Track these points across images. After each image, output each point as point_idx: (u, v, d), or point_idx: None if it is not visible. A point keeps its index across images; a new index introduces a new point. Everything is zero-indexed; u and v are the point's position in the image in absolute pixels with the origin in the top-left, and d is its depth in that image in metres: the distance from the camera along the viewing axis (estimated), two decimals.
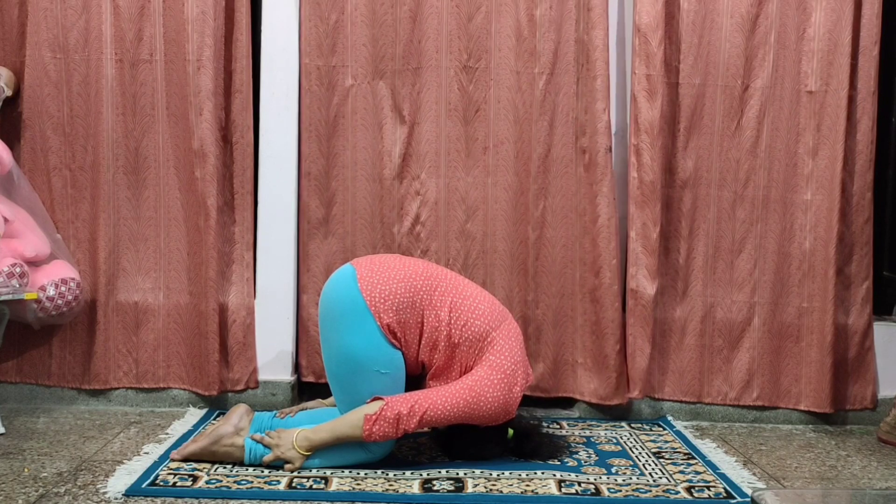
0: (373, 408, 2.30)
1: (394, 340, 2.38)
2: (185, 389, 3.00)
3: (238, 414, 2.46)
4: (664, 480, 2.40)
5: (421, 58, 2.98)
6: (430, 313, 2.40)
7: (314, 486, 2.26)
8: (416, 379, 2.49)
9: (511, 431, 2.54)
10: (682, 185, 3.02)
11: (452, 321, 2.40)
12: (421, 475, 2.37)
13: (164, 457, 2.46)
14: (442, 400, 2.33)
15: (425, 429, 2.50)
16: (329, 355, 2.43)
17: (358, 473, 2.36)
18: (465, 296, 2.45)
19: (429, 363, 2.44)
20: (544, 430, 2.68)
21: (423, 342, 2.41)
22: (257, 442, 2.38)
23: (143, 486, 2.24)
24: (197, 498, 2.18)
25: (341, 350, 2.39)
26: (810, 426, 3.03)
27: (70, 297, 2.81)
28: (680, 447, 2.71)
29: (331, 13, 2.97)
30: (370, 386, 2.35)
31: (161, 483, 2.26)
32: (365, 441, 2.31)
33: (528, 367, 2.50)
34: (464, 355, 2.41)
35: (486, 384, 2.36)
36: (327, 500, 2.19)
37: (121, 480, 2.27)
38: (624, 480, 2.38)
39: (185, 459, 2.42)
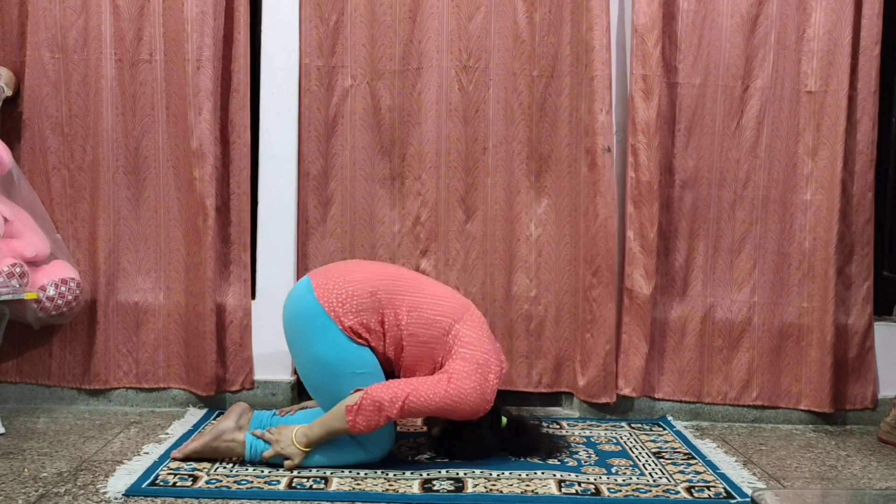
0: (353, 399, 2.31)
1: (360, 341, 2.39)
2: (184, 389, 3.00)
3: (237, 412, 2.48)
4: (664, 480, 2.40)
5: (421, 58, 2.98)
6: (389, 313, 2.41)
7: (314, 486, 2.26)
8: (395, 375, 2.49)
9: (504, 420, 2.55)
10: (683, 185, 3.02)
11: (413, 321, 2.41)
12: (421, 475, 2.37)
13: (164, 457, 2.46)
14: (423, 387, 2.33)
15: (414, 419, 2.49)
16: (303, 368, 2.46)
17: (358, 473, 2.36)
18: (425, 294, 2.46)
19: (397, 361, 2.45)
20: (537, 424, 2.68)
21: (387, 342, 2.42)
22: (258, 438, 2.39)
23: (143, 486, 2.24)
24: (197, 498, 2.18)
25: (312, 360, 2.41)
26: (810, 426, 3.03)
27: (70, 297, 2.81)
28: (680, 447, 2.71)
29: (331, 14, 2.97)
30: (349, 388, 2.35)
31: (161, 483, 2.26)
32: (351, 433, 2.31)
33: (501, 353, 2.51)
34: (433, 352, 2.42)
35: (461, 376, 2.36)
36: (327, 500, 2.19)
37: (121, 480, 2.27)
38: (624, 480, 2.38)
39: (187, 458, 2.43)
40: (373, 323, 2.40)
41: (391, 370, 2.47)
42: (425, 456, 2.54)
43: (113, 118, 2.95)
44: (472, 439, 2.48)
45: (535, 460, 2.52)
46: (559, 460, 2.53)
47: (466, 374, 2.36)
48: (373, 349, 2.41)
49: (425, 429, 2.66)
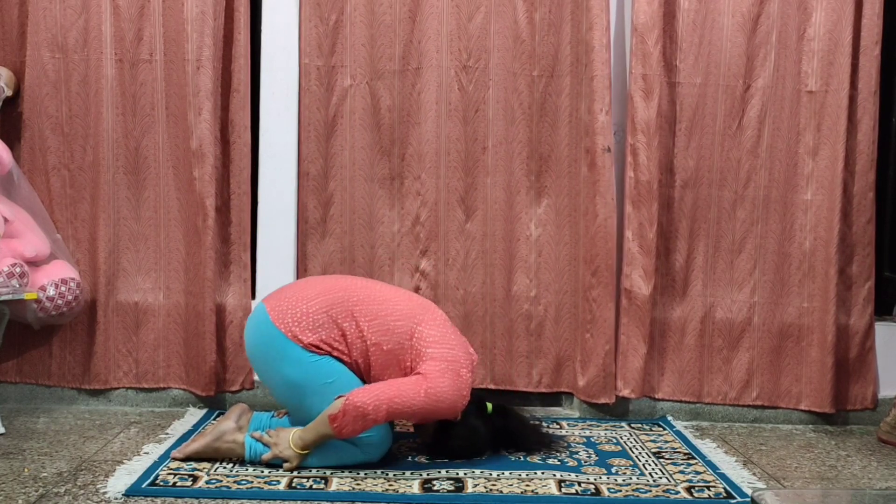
0: (336, 406, 2.28)
1: (321, 353, 2.38)
2: (184, 390, 3.00)
3: (237, 412, 2.48)
4: (664, 480, 2.40)
5: (421, 58, 2.98)
6: (349, 326, 2.40)
7: (314, 486, 2.26)
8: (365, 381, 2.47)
9: (489, 406, 2.55)
10: (684, 184, 3.02)
11: (374, 330, 2.40)
12: (421, 475, 2.37)
13: (164, 457, 2.46)
14: (405, 388, 2.31)
15: (402, 421, 2.45)
16: (276, 392, 2.45)
17: (358, 473, 2.36)
18: (381, 301, 2.44)
19: (366, 371, 2.43)
20: (537, 424, 2.68)
21: (353, 354, 2.40)
22: (257, 440, 2.39)
23: (143, 486, 2.24)
24: (197, 498, 2.18)
25: (282, 382, 2.40)
26: (810, 426, 3.03)
27: (70, 297, 2.81)
28: (680, 447, 2.71)
29: (331, 13, 2.97)
30: (327, 398, 2.33)
31: (161, 483, 2.26)
32: (338, 438, 2.30)
33: (469, 347, 2.50)
34: (399, 358, 2.40)
35: (435, 375, 2.34)
36: (327, 500, 2.19)
37: (121, 480, 2.27)
38: (624, 480, 2.38)
39: (187, 458, 2.43)
40: (334, 338, 2.38)
41: (361, 376, 2.45)
42: (425, 456, 2.54)
43: (113, 118, 2.95)
44: (464, 434, 2.48)
45: (535, 460, 2.52)
46: (559, 460, 2.52)
47: (440, 372, 2.35)
48: (337, 359, 2.40)
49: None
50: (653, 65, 2.91)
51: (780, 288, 3.04)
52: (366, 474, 2.36)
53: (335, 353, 2.39)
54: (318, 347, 2.37)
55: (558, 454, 2.58)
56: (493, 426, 2.54)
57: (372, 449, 2.38)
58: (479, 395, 2.54)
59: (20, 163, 2.94)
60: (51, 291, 2.77)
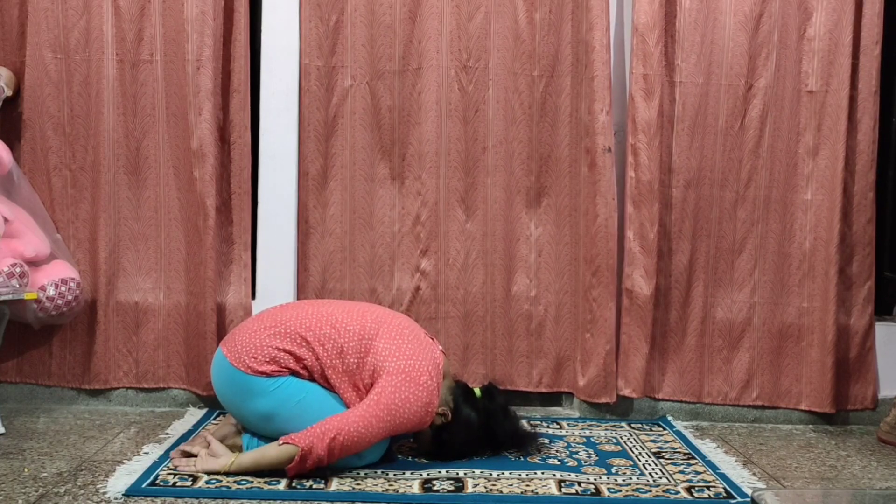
0: (289, 453, 2.24)
1: (285, 375, 2.36)
2: (184, 389, 3.00)
3: None
4: (664, 480, 2.40)
5: (421, 58, 2.98)
6: (304, 351, 2.38)
7: (314, 486, 2.26)
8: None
9: (478, 390, 2.54)
10: (686, 184, 3.02)
11: (327, 352, 2.38)
12: (421, 475, 2.37)
13: (164, 457, 2.46)
14: (353, 418, 2.27)
15: (355, 452, 2.35)
16: (255, 427, 2.41)
17: (358, 473, 2.36)
18: (331, 323, 2.41)
19: (333, 390, 2.40)
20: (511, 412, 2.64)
21: (313, 374, 2.39)
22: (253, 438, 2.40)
23: (143, 486, 2.24)
24: (197, 498, 2.18)
25: (257, 416, 2.38)
26: (810, 426, 3.03)
27: (70, 297, 2.81)
28: (680, 447, 2.71)
29: (331, 14, 2.98)
30: (302, 419, 2.31)
31: (161, 483, 2.26)
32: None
33: (433, 350, 2.46)
34: (355, 377, 2.38)
35: (389, 391, 2.31)
36: (327, 500, 2.19)
37: (121, 480, 2.27)
38: (624, 480, 2.38)
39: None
40: (291, 362, 2.37)
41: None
42: (425, 457, 2.54)
43: (114, 118, 2.96)
44: (462, 430, 2.45)
45: (535, 460, 2.52)
46: (559, 460, 2.52)
47: (394, 387, 2.32)
48: (300, 377, 2.39)
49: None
50: (653, 64, 2.91)
51: (780, 288, 3.04)
52: (366, 474, 2.36)
53: (297, 374, 2.38)
54: (278, 372, 2.36)
55: (536, 445, 2.58)
56: (485, 409, 2.51)
57: (367, 453, 2.37)
58: (465, 385, 2.54)
59: (21, 163, 2.94)
60: (51, 291, 2.77)
